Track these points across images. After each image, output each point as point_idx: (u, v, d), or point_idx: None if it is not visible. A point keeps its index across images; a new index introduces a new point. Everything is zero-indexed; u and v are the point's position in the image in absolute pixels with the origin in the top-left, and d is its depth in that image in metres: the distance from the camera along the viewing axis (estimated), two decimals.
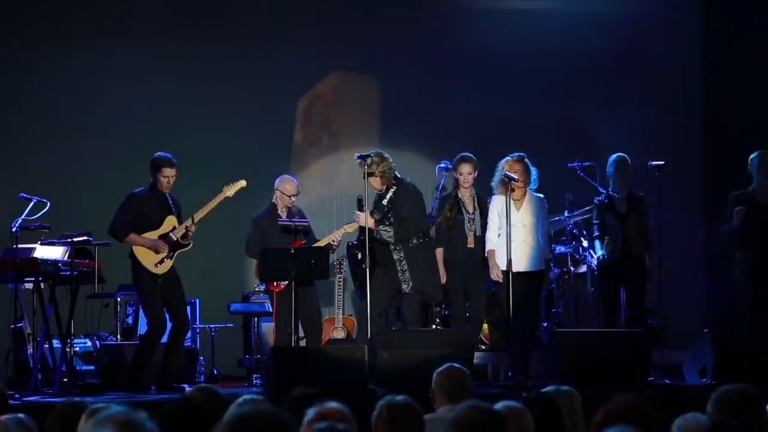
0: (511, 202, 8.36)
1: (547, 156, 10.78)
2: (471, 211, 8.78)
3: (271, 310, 9.52)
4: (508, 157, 8.53)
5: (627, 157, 8.82)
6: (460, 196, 8.82)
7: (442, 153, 10.17)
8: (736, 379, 7.00)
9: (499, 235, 8.44)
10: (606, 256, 8.68)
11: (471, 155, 8.87)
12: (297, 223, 9.09)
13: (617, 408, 3.45)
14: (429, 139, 11.31)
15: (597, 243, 8.85)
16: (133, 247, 8.41)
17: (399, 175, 8.70)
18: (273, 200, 9.31)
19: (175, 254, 8.47)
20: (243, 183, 8.77)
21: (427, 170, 10.32)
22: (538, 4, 11.86)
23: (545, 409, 4.25)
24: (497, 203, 8.49)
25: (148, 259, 8.40)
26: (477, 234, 8.73)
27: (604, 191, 8.87)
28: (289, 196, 9.14)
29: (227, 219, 10.82)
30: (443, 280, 8.75)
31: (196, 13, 11.22)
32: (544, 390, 4.58)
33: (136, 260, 8.41)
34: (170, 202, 8.58)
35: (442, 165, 9.58)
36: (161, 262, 8.41)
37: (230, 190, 8.71)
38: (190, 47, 11.10)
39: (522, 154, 8.63)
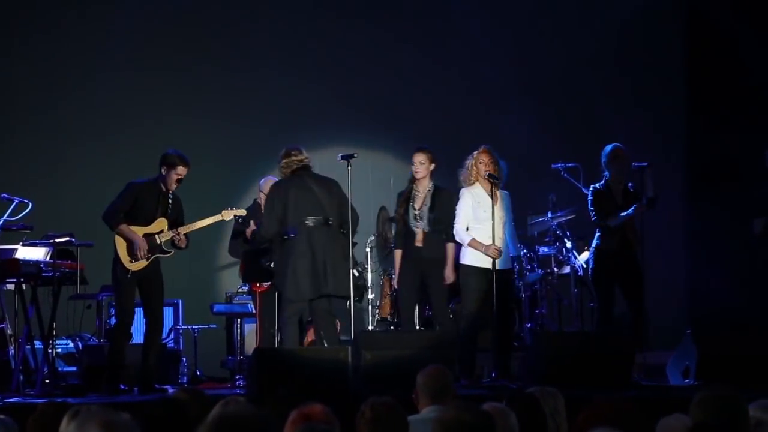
0: (487, 196, 8.28)
1: (530, 157, 10.84)
2: (418, 207, 8.55)
3: (254, 311, 9.52)
4: (475, 151, 8.39)
5: (623, 147, 8.63)
6: (414, 190, 8.61)
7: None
8: (718, 380, 7.08)
9: (467, 228, 8.33)
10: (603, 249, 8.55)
11: (426, 146, 8.69)
12: None
13: (601, 409, 3.45)
14: (406, 138, 11.30)
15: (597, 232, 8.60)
16: (116, 237, 8.28)
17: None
18: (257, 200, 9.33)
19: (153, 257, 8.29)
20: (243, 212, 8.87)
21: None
22: (522, 7, 11.87)
23: (529, 410, 4.25)
24: (469, 196, 8.34)
25: (124, 252, 8.26)
26: (425, 230, 8.50)
27: (601, 183, 8.64)
28: None
29: None
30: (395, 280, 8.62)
31: (179, 24, 11.17)
32: (527, 390, 4.58)
33: (115, 250, 8.28)
34: (170, 202, 8.41)
35: None
36: (135, 259, 8.25)
37: (228, 215, 8.74)
38: (175, 53, 11.05)
39: (488, 145, 8.45)
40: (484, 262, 8.19)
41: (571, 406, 4.58)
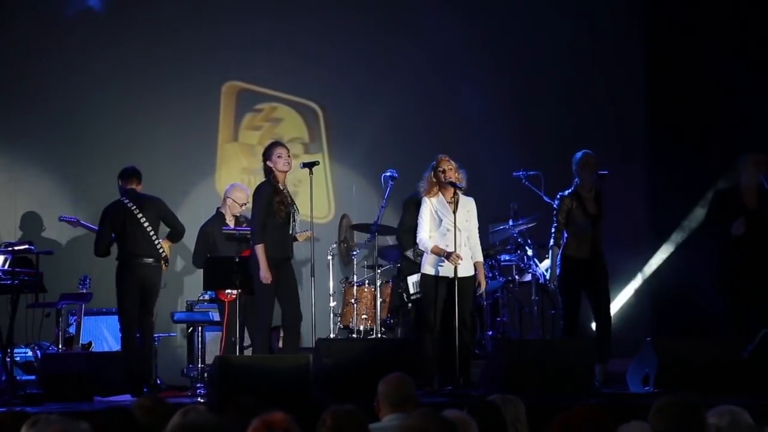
0: (447, 204, 8.30)
1: (491, 165, 10.87)
2: (292, 204, 8.50)
3: (216, 319, 9.50)
4: (433, 161, 8.36)
5: (593, 154, 8.61)
6: (281, 187, 8.51)
7: (385, 161, 10.20)
8: (678, 388, 7.13)
9: (430, 236, 8.33)
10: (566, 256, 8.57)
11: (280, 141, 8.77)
12: (241, 232, 9.08)
13: (572, 417, 3.47)
14: (368, 146, 11.32)
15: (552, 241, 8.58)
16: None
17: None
18: (220, 208, 9.34)
19: None
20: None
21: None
22: (483, 15, 11.91)
23: (490, 417, 4.26)
24: (429, 204, 8.28)
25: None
26: (292, 232, 8.45)
27: (570, 190, 8.65)
28: (240, 205, 9.20)
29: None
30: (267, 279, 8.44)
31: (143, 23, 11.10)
32: (489, 398, 4.59)
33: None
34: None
35: (388, 174, 9.60)
36: None
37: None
38: (133, 58, 10.97)
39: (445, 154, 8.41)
40: (445, 270, 8.21)
41: (533, 414, 4.61)
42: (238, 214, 9.28)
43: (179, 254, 10.66)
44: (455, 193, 8.22)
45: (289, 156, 8.41)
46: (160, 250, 8.73)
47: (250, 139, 11.45)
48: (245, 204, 9.17)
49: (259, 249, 8.24)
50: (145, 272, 8.68)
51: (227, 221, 9.29)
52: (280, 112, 11.55)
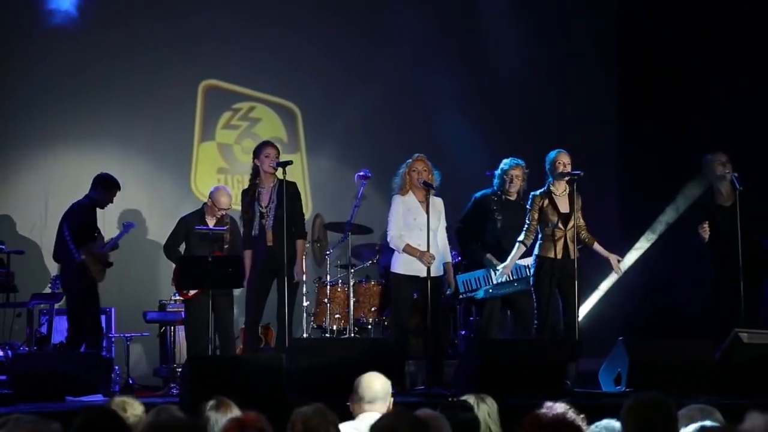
0: (419, 204, 8.33)
1: (464, 164, 10.90)
2: (265, 204, 8.53)
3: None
4: (409, 159, 8.41)
5: (566, 153, 8.65)
6: (258, 189, 8.56)
7: (358, 160, 10.21)
8: (649, 387, 7.16)
9: (400, 235, 8.32)
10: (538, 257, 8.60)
11: (272, 141, 8.84)
12: (215, 231, 9.05)
13: (542, 416, 3.48)
14: (342, 146, 11.32)
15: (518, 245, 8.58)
16: (87, 256, 9.05)
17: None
18: (206, 204, 9.37)
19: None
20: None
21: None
22: (460, 16, 11.93)
23: (463, 417, 4.27)
24: (400, 204, 8.35)
25: (96, 268, 9.15)
26: (273, 229, 8.47)
27: (543, 189, 8.64)
28: (221, 209, 9.21)
29: (143, 228, 10.77)
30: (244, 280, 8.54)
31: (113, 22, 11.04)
32: (461, 398, 4.60)
33: (88, 265, 9.07)
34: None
35: (361, 173, 9.60)
36: (103, 272, 9.22)
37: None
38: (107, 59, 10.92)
39: (422, 154, 8.47)
40: (414, 269, 8.23)
41: (505, 413, 4.62)
42: (218, 216, 9.28)
43: (153, 254, 10.63)
44: (428, 194, 8.24)
45: (277, 157, 8.47)
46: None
47: (227, 138, 11.42)
48: (227, 209, 9.14)
49: (246, 255, 8.59)
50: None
51: (206, 220, 9.29)
52: (258, 112, 11.53)
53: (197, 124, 11.30)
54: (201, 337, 8.78)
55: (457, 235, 9.20)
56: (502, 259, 8.67)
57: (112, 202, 9.35)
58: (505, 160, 8.86)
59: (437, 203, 8.40)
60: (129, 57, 10.85)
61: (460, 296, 9.20)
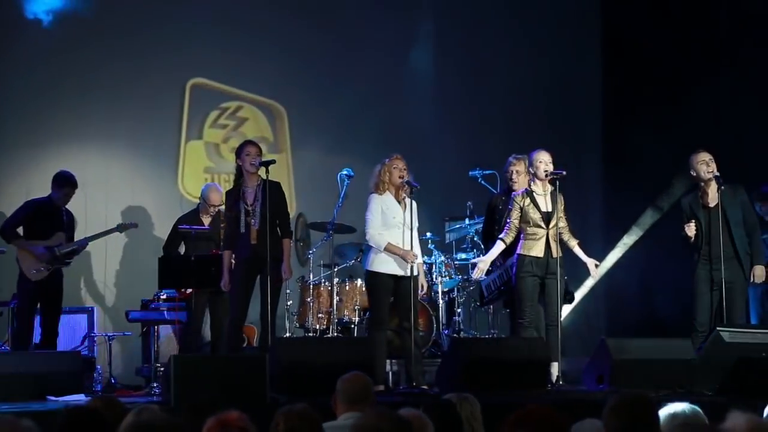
0: (396, 202, 8.31)
1: (448, 164, 10.91)
2: (250, 203, 8.45)
3: (170, 318, 9.49)
4: (386, 158, 8.39)
5: (547, 152, 8.63)
6: (243, 188, 8.46)
7: (341, 159, 10.20)
8: (632, 386, 7.19)
9: (380, 234, 8.30)
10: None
11: (253, 140, 8.76)
12: (197, 231, 9.08)
13: (525, 414, 3.48)
14: (326, 144, 11.30)
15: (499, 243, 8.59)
16: (18, 251, 8.99)
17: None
18: (201, 204, 9.38)
19: (53, 267, 8.97)
20: (136, 226, 9.57)
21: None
22: (440, 11, 11.93)
23: (446, 416, 4.27)
24: (379, 202, 8.29)
25: (27, 265, 8.93)
26: (258, 228, 8.37)
27: (524, 189, 8.66)
28: (213, 206, 9.22)
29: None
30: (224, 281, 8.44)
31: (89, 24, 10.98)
32: (444, 397, 4.60)
33: (18, 264, 8.97)
34: (64, 217, 9.09)
35: (344, 172, 9.60)
36: (38, 270, 8.92)
37: (123, 229, 9.50)
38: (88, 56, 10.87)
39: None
40: (392, 268, 8.23)
41: (488, 412, 4.62)
42: (213, 214, 9.32)
43: (136, 253, 10.61)
44: (411, 193, 8.25)
45: (258, 156, 8.41)
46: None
47: (214, 137, 11.40)
48: (220, 205, 9.17)
49: (224, 255, 8.48)
50: None
51: (202, 219, 9.34)
52: (245, 112, 11.52)
53: (184, 123, 11.28)
54: (196, 335, 8.92)
55: (480, 239, 9.35)
56: None
57: (68, 200, 9.14)
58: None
59: (410, 203, 8.40)
60: (114, 56, 10.80)
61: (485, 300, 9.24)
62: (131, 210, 10.79)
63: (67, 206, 9.20)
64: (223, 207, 9.03)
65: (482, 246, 9.55)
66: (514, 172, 8.87)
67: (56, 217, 9.07)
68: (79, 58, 10.73)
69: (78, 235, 9.35)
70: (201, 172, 11.23)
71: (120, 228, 9.48)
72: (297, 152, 11.51)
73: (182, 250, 9.47)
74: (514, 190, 8.80)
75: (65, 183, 9.08)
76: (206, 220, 9.35)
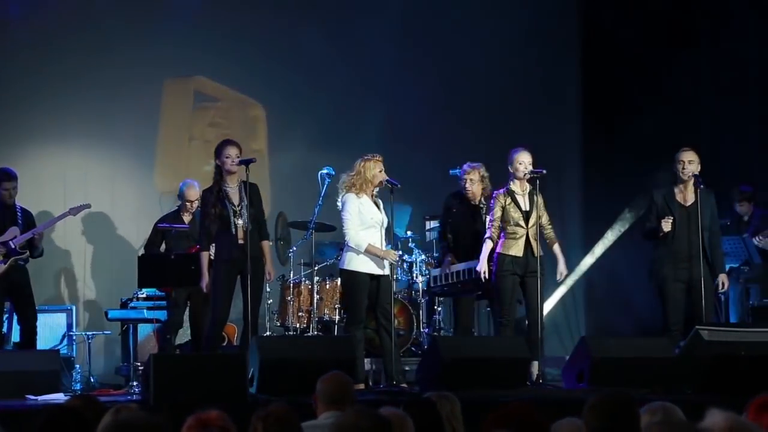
0: (372, 202, 8.31)
1: (428, 163, 10.91)
2: (237, 203, 8.36)
3: (150, 317, 9.47)
4: (367, 156, 8.37)
5: (527, 150, 8.69)
6: (224, 187, 8.37)
7: (321, 158, 10.19)
8: (611, 384, 7.21)
9: (360, 234, 8.27)
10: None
11: (233, 140, 8.67)
12: (177, 229, 9.06)
13: (505, 413, 3.48)
14: (307, 142, 11.28)
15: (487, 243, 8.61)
16: None
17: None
18: (181, 203, 9.34)
19: (10, 260, 8.86)
20: (89, 206, 9.38)
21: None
22: (421, 10, 11.93)
23: (426, 415, 4.27)
24: (356, 202, 8.28)
25: None
26: (247, 228, 8.26)
27: (505, 188, 8.72)
28: (191, 202, 9.18)
29: (105, 226, 10.69)
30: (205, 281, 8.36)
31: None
32: (424, 395, 4.60)
33: None
34: (18, 213, 8.99)
35: (324, 171, 9.59)
36: None
37: (76, 212, 9.32)
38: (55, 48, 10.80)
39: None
40: (370, 267, 8.24)
41: (468, 411, 4.63)
42: (193, 211, 9.30)
43: (115, 252, 10.57)
44: (392, 192, 8.28)
45: (238, 156, 8.36)
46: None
47: (194, 135, 11.37)
48: (196, 200, 9.16)
49: (202, 255, 8.34)
50: None
51: (183, 218, 9.32)
52: (225, 110, 11.49)
53: (161, 122, 11.23)
54: (166, 335, 8.87)
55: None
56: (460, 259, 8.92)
57: (11, 194, 8.96)
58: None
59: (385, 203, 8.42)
60: (91, 54, 10.75)
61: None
62: (110, 209, 10.75)
63: (28, 205, 9.15)
64: (197, 202, 9.05)
65: (441, 246, 9.57)
66: (468, 180, 8.97)
67: (7, 213, 8.96)
68: (55, 55, 10.66)
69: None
70: (180, 170, 11.18)
71: (72, 211, 9.37)
72: (276, 151, 11.48)
73: (163, 249, 9.44)
74: (468, 198, 8.91)
75: (4, 178, 8.97)
76: (187, 218, 9.35)
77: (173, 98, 11.28)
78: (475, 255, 8.68)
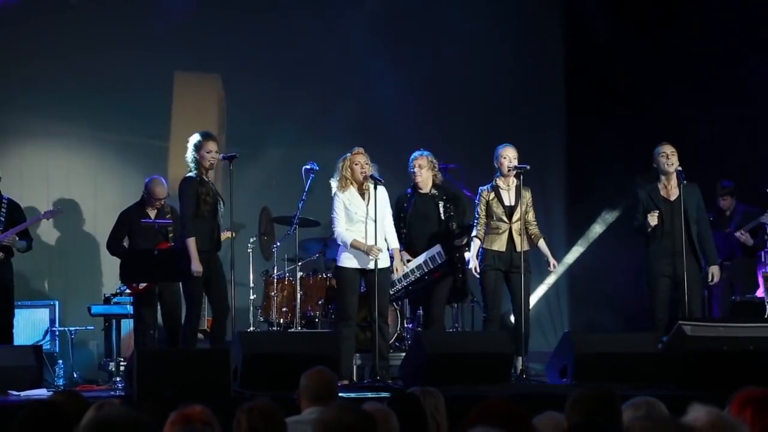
0: (359, 197, 8.30)
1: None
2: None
3: (132, 313, 9.43)
4: (348, 153, 8.38)
5: (513, 147, 8.69)
6: (207, 179, 8.37)
7: (305, 153, 10.17)
8: (595, 380, 7.23)
9: (347, 230, 8.31)
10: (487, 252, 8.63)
11: (210, 132, 8.61)
12: (161, 224, 9.03)
13: (487, 408, 3.48)
14: (290, 137, 11.27)
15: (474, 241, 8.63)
16: None
17: None
18: (144, 196, 9.30)
19: None
20: (62, 212, 9.65)
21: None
22: (404, 6, 11.93)
23: (410, 410, 4.27)
24: (342, 199, 8.29)
25: None
26: (221, 224, 8.32)
27: (490, 184, 8.75)
28: (158, 199, 9.14)
29: (88, 221, 10.66)
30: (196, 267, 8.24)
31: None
32: (408, 391, 4.60)
33: None
34: (4, 207, 8.90)
35: (308, 166, 9.57)
36: None
37: (50, 216, 9.36)
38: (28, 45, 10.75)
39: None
40: (360, 262, 8.23)
41: (452, 406, 4.63)
42: (158, 207, 9.24)
43: (97, 247, 10.53)
44: (375, 187, 8.25)
45: (217, 152, 8.34)
46: None
47: (176, 130, 11.34)
48: (165, 198, 9.13)
49: (190, 242, 8.17)
50: None
51: (147, 212, 9.25)
52: (207, 104, 11.47)
53: (146, 117, 11.18)
54: (148, 331, 8.78)
55: None
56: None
57: None
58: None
59: (380, 192, 8.38)
60: (73, 53, 10.73)
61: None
62: (90, 204, 10.72)
63: (16, 198, 9.07)
64: (167, 198, 9.06)
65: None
66: (417, 166, 8.89)
67: None
68: (36, 51, 10.62)
69: None
70: (161, 165, 11.16)
71: (46, 215, 9.33)
72: (259, 146, 11.45)
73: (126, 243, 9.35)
74: (419, 187, 8.84)
75: None
76: (152, 213, 9.25)
77: (157, 92, 11.24)
78: (435, 244, 8.71)
